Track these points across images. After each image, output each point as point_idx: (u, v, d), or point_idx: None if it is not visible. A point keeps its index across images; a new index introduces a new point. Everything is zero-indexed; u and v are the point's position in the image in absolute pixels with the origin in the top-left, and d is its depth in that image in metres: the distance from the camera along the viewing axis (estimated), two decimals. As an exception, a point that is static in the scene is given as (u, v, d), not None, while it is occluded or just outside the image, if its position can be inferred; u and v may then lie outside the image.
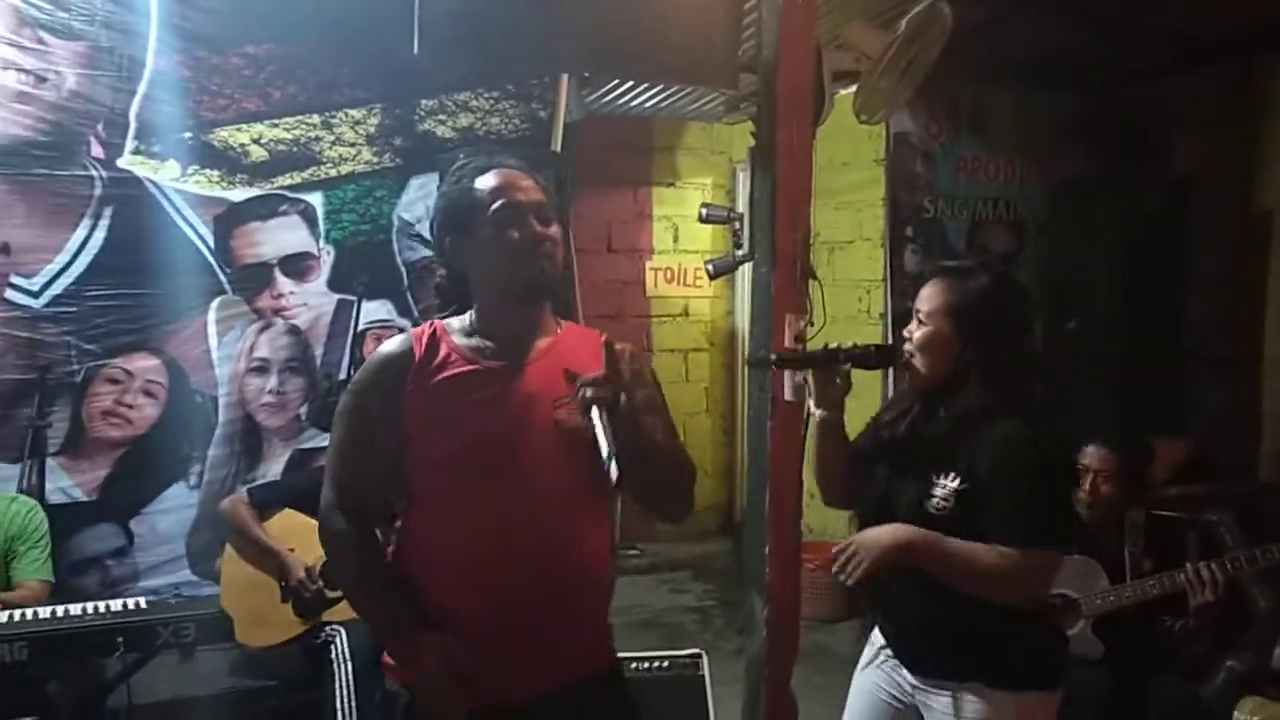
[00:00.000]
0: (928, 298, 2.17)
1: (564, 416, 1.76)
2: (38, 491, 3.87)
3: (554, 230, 1.82)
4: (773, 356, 2.43)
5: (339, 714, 3.18)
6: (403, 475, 1.80)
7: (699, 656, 3.56)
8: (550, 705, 1.75)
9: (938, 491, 2.07)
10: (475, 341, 1.83)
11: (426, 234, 4.71)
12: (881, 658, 2.25)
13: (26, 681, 2.83)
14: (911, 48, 3.50)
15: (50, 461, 4.04)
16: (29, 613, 2.86)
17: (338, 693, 3.21)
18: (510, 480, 1.73)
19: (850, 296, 5.46)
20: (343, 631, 3.32)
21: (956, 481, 2.06)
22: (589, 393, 1.68)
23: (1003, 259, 5.26)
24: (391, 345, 1.85)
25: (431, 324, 1.87)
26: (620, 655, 3.60)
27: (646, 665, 3.53)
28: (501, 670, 1.71)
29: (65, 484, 4.13)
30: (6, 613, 2.82)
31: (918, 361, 2.17)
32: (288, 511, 3.59)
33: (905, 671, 2.19)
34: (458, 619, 1.72)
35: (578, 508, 1.80)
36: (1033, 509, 2.02)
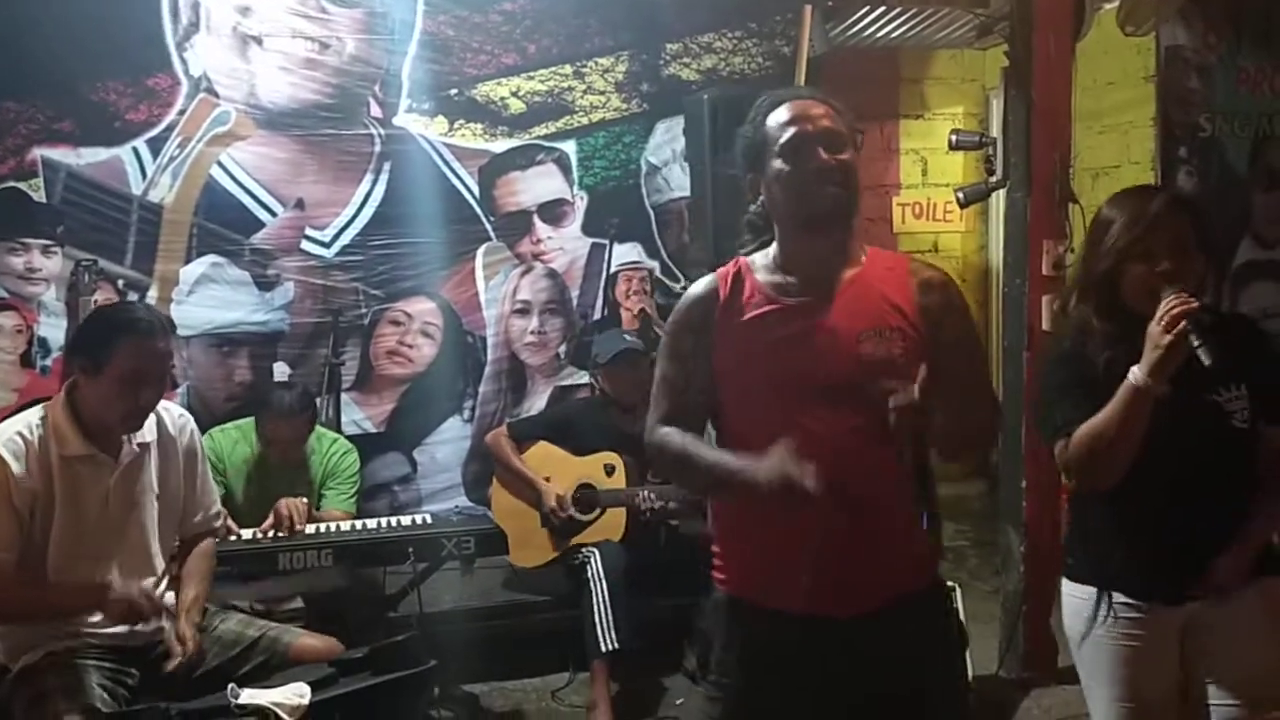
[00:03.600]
0: (1159, 216, 2.01)
1: (868, 350, 1.77)
2: (335, 424, 4.28)
3: (846, 156, 1.80)
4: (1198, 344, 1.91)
5: (597, 628, 3.38)
6: (717, 408, 1.87)
7: (952, 589, 3.52)
8: (872, 621, 1.79)
9: (1234, 406, 1.99)
10: (778, 278, 1.85)
11: (673, 178, 4.86)
12: (1116, 623, 2.13)
13: (324, 586, 3.18)
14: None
15: (344, 396, 4.47)
16: (334, 526, 3.21)
17: (595, 608, 3.41)
18: (814, 413, 1.76)
19: (1116, 225, 5.16)
20: (597, 553, 3.52)
21: (1242, 388, 1.99)
22: (897, 419, 1.67)
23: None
24: (698, 286, 1.90)
25: (736, 262, 1.91)
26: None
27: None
28: (819, 594, 1.77)
29: (358, 416, 4.58)
30: (314, 525, 3.18)
31: (1178, 277, 2.00)
32: (543, 443, 3.81)
33: (1153, 605, 2.07)
34: (771, 541, 1.80)
35: (884, 438, 1.74)
36: None
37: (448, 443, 4.71)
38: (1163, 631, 2.08)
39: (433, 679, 2.36)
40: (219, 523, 2.79)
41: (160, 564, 2.52)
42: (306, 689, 2.08)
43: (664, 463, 1.91)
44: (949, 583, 3.55)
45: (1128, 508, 2.06)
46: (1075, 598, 2.17)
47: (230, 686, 2.05)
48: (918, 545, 1.87)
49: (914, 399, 1.66)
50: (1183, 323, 1.88)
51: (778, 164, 1.80)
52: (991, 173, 3.72)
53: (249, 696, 2.02)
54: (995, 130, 4.08)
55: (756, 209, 1.90)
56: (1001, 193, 3.86)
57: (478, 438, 4.57)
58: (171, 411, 2.58)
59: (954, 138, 3.75)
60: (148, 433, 2.49)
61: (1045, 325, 3.47)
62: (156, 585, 2.50)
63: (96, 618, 2.37)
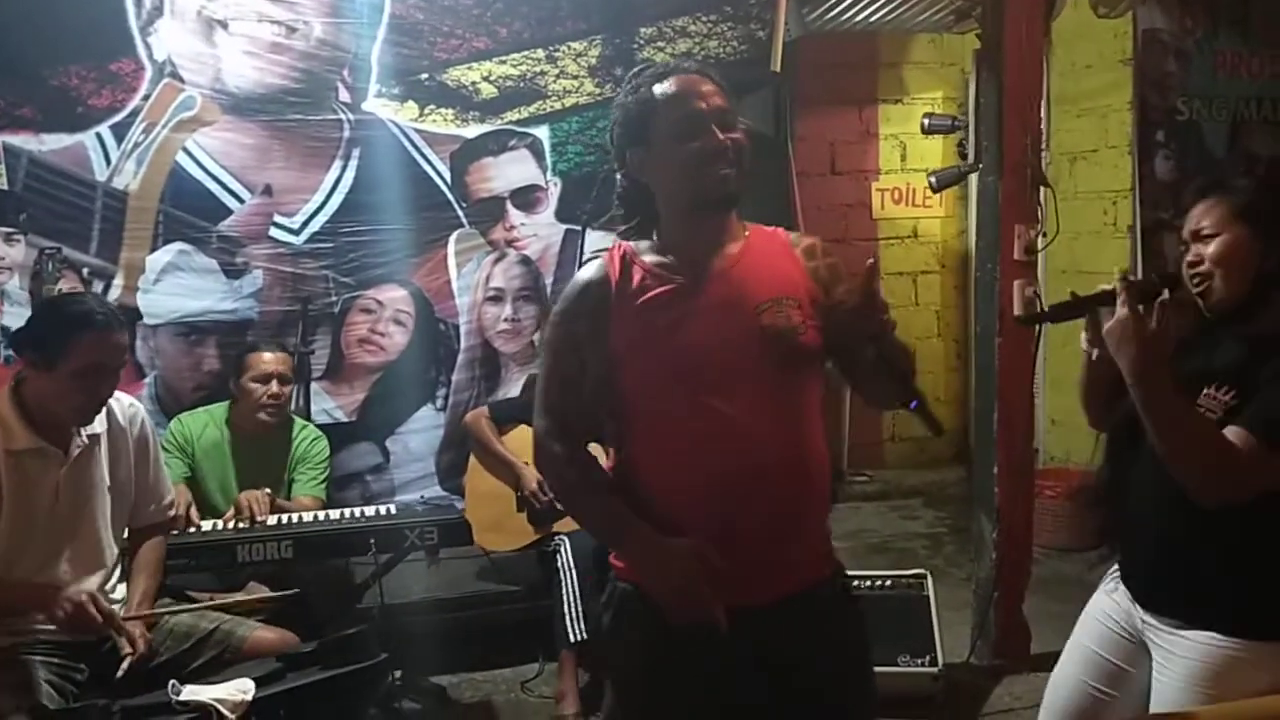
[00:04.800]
0: (1208, 211, 1.96)
1: (770, 321, 1.74)
2: (305, 413, 4.20)
3: (738, 135, 1.77)
4: (1045, 308, 2.13)
5: (566, 618, 3.35)
6: (616, 399, 1.80)
7: (923, 577, 3.51)
8: (777, 612, 1.74)
9: (1207, 404, 1.91)
10: (666, 259, 1.80)
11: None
12: (1112, 585, 2.13)
13: (293, 577, 3.13)
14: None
15: (315, 385, 4.41)
16: (294, 517, 3.17)
17: (564, 598, 3.38)
18: (724, 392, 1.72)
19: (1094, 209, 5.14)
20: (567, 541, 3.49)
21: (1230, 395, 1.90)
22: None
23: (1270, 164, 4.80)
24: (588, 272, 1.83)
25: (620, 247, 1.84)
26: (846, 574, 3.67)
27: (870, 584, 3.51)
28: (727, 582, 1.69)
29: (329, 405, 4.52)
30: (276, 516, 3.13)
31: (1217, 281, 1.94)
32: (523, 427, 3.77)
33: (1138, 607, 2.05)
34: (682, 534, 1.72)
35: (793, 411, 1.77)
36: None
37: (421, 432, 4.65)
38: (1146, 636, 2.03)
39: (385, 672, 2.32)
40: (171, 513, 2.74)
41: (111, 556, 2.47)
42: (250, 685, 2.04)
43: (562, 491, 1.88)
44: (920, 570, 3.59)
45: (1132, 501, 2.03)
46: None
47: (171, 683, 2.00)
48: (824, 527, 1.85)
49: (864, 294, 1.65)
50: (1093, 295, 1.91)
51: (669, 142, 1.74)
52: (964, 156, 3.69)
53: (190, 693, 1.98)
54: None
55: (627, 185, 1.84)
56: (977, 180, 3.83)
57: (451, 426, 4.53)
58: (121, 401, 2.53)
59: (927, 121, 3.72)
60: (97, 424, 2.44)
61: (1016, 310, 3.44)
62: (108, 578, 2.46)
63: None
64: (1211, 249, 1.94)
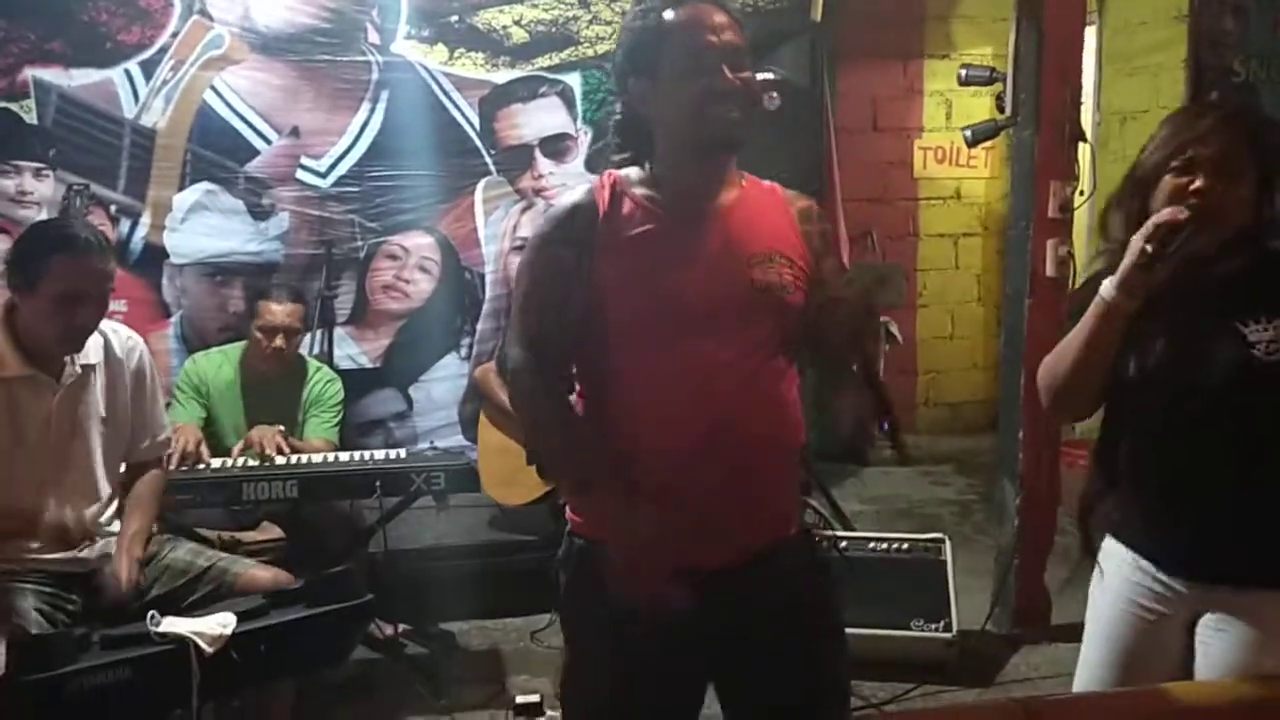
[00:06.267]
0: (1207, 131, 1.81)
1: (759, 276, 1.67)
2: (327, 357, 4.21)
3: (748, 75, 1.66)
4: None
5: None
6: (593, 332, 1.70)
7: (941, 541, 3.43)
8: (741, 569, 1.69)
9: (1259, 337, 1.76)
10: (658, 195, 1.70)
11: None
12: (1116, 567, 1.99)
13: (297, 519, 3.13)
14: None
15: (338, 330, 4.41)
16: (302, 458, 3.15)
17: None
18: (704, 339, 1.65)
19: (1143, 172, 4.95)
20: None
21: (1275, 323, 1.75)
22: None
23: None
24: (574, 196, 1.72)
25: (610, 175, 1.73)
26: (862, 535, 3.60)
27: (886, 546, 3.44)
28: (693, 535, 1.65)
29: (353, 351, 4.51)
30: (283, 455, 3.12)
31: (1214, 198, 1.77)
32: (535, 379, 3.73)
33: (1172, 579, 1.91)
34: (649, 482, 1.66)
35: (771, 369, 1.70)
36: None
37: (444, 380, 4.63)
38: (1176, 608, 1.87)
39: (370, 613, 2.30)
40: (169, 450, 2.73)
41: (106, 490, 2.46)
42: (232, 619, 2.02)
43: (533, 429, 1.81)
44: (938, 535, 3.51)
45: (1142, 456, 1.87)
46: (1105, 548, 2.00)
47: (151, 614, 1.99)
48: (794, 488, 1.78)
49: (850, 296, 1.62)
50: (1163, 233, 1.71)
51: (675, 77, 1.64)
52: (1002, 110, 3.55)
53: (169, 625, 1.96)
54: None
55: (626, 115, 1.74)
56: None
57: (474, 374, 4.51)
58: (120, 333, 2.51)
59: (964, 73, 3.58)
60: (93, 354, 2.42)
61: (1049, 271, 3.33)
62: (102, 511, 2.46)
63: (37, 544, 2.33)
64: (1204, 170, 1.78)
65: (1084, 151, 3.29)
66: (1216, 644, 1.82)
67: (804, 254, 1.73)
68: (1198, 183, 1.78)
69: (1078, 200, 3.33)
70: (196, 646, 1.94)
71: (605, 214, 1.69)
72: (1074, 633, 3.32)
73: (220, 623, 2.00)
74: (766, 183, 1.80)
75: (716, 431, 1.63)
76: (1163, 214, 1.75)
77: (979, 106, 5.97)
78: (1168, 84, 4.75)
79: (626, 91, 1.72)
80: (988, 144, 4.24)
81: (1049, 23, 3.18)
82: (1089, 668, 2.00)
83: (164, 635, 1.95)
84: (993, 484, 5.30)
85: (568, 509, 1.79)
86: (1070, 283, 3.33)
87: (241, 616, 2.05)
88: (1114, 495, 1.97)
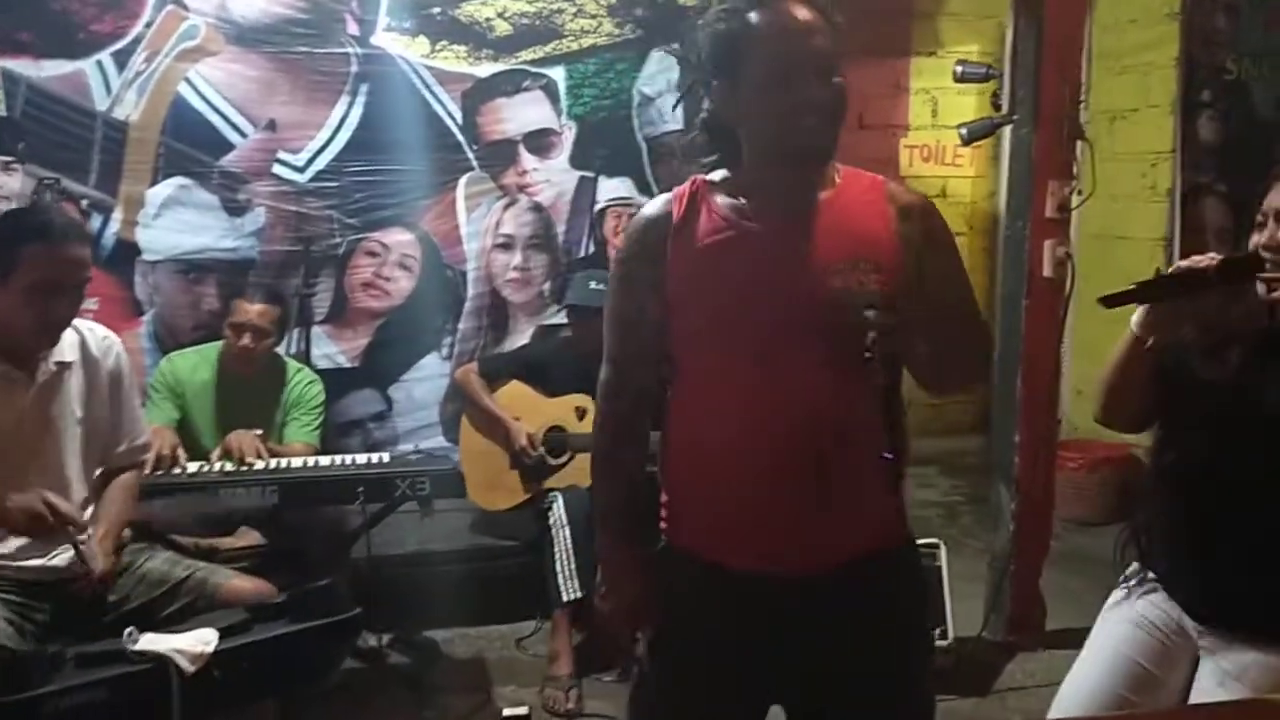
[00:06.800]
0: None
1: (840, 284, 1.56)
2: (304, 357, 4.10)
3: (837, 86, 1.57)
4: (1132, 285, 1.73)
5: (559, 575, 3.24)
6: (668, 345, 1.67)
7: (936, 547, 3.36)
8: (827, 581, 1.61)
9: None
10: (740, 202, 1.62)
11: (667, 110, 4.62)
12: (1145, 589, 1.94)
13: (277, 526, 3.03)
14: None
15: (316, 329, 4.30)
16: (282, 462, 3.05)
17: (558, 556, 3.26)
18: (781, 352, 1.57)
19: (1132, 171, 4.92)
20: (560, 497, 3.37)
21: None
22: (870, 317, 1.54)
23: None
24: (651, 207, 1.69)
25: (694, 181, 1.68)
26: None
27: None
28: (778, 549, 1.60)
29: (330, 350, 4.41)
30: (262, 461, 3.02)
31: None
32: (515, 382, 3.65)
33: (1188, 618, 1.88)
34: (724, 494, 1.62)
35: (851, 377, 1.58)
36: None
37: (425, 380, 4.54)
38: (1190, 645, 1.87)
39: (357, 627, 2.20)
40: (146, 455, 2.62)
41: (80, 493, 2.35)
42: (213, 635, 1.92)
43: (595, 429, 1.79)
44: (933, 540, 3.45)
45: (1182, 498, 1.86)
46: (1128, 573, 1.99)
47: (129, 630, 1.89)
48: (884, 498, 1.66)
49: (891, 321, 1.52)
50: (1183, 272, 1.69)
51: (760, 84, 1.54)
52: (998, 108, 3.49)
53: (148, 642, 1.86)
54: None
55: (711, 116, 1.65)
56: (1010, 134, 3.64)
57: (454, 376, 4.42)
58: (96, 332, 2.41)
59: (960, 69, 3.51)
60: (69, 352, 2.31)
61: (1046, 271, 3.27)
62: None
63: (4, 549, 2.22)
64: None
65: (1083, 151, 3.24)
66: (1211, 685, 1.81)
67: (898, 256, 1.60)
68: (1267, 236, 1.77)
69: (1076, 200, 3.28)
70: (176, 665, 1.84)
71: (679, 222, 1.64)
72: (1069, 639, 3.29)
73: (201, 640, 1.90)
74: (870, 176, 1.70)
75: (788, 441, 1.56)
76: (1183, 261, 1.73)
77: (965, 104, 5.95)
78: (1158, 82, 4.72)
79: (711, 91, 1.63)
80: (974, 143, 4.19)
81: (1049, 19, 3.13)
82: (1082, 668, 1.97)
83: (142, 654, 1.85)
84: (979, 485, 5.27)
85: (660, 519, 1.76)
86: (1068, 284, 3.28)
87: (223, 633, 1.95)
88: (1154, 530, 1.96)
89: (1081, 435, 5.16)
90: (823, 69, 1.55)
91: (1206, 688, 1.82)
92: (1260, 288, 1.74)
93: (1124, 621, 1.95)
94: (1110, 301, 1.71)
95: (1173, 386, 1.86)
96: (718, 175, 1.67)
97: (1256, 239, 1.80)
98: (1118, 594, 1.98)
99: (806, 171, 1.62)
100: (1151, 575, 1.93)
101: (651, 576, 1.71)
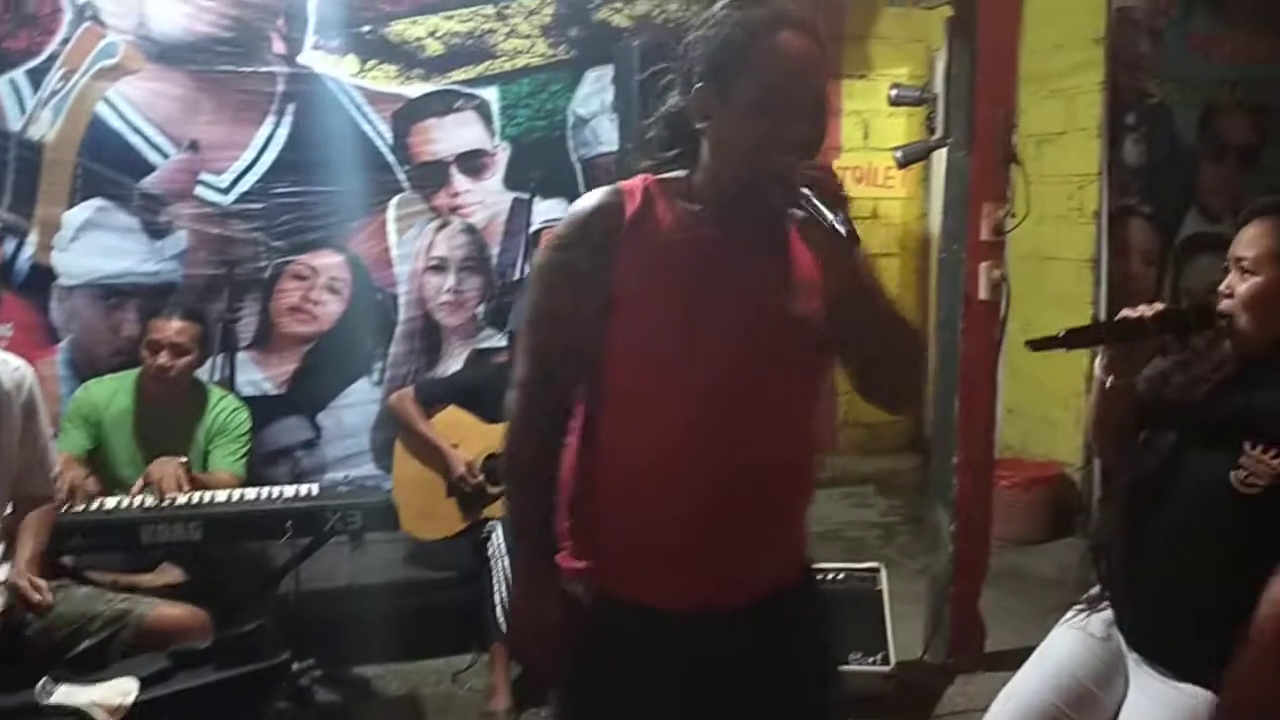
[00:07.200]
0: (1254, 240, 1.79)
1: (789, 303, 1.53)
2: (229, 384, 4.01)
3: (822, 124, 1.52)
4: (1060, 332, 1.78)
5: (497, 608, 3.16)
6: (601, 351, 1.54)
7: (876, 570, 3.35)
8: (745, 617, 1.56)
9: (1248, 464, 1.73)
10: (696, 208, 1.54)
11: (602, 130, 4.59)
12: (1084, 619, 1.96)
13: (201, 562, 2.91)
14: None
15: (241, 355, 4.19)
16: (205, 495, 2.92)
17: (496, 587, 3.19)
18: (725, 365, 1.50)
19: (1059, 193, 4.99)
20: (500, 526, 3.29)
21: (1274, 454, 1.72)
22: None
23: (1241, 152, 4.69)
24: (596, 197, 1.55)
25: (645, 180, 1.56)
26: (797, 565, 3.51)
27: (821, 578, 3.32)
28: (698, 577, 1.53)
29: (256, 377, 4.29)
30: (185, 495, 2.90)
31: (1242, 322, 1.78)
32: (453, 408, 3.56)
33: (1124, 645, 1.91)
34: (649, 522, 1.53)
35: (797, 405, 1.59)
36: None
37: (355, 406, 4.44)
38: (1121, 671, 1.90)
39: (286, 672, 2.11)
40: (58, 487, 2.50)
41: (-10, 528, 2.23)
42: (133, 685, 1.82)
43: (511, 430, 1.62)
44: (873, 564, 3.44)
45: (1131, 549, 1.88)
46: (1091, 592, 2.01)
47: (42, 682, 1.78)
48: (802, 528, 1.66)
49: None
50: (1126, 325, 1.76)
51: (756, 107, 1.47)
52: (933, 131, 3.51)
53: (63, 695, 1.75)
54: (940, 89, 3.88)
55: (677, 113, 1.56)
56: (944, 157, 3.66)
57: (388, 401, 4.32)
58: (8, 363, 2.30)
59: (894, 92, 3.53)
60: (-23, 384, 2.20)
61: (982, 294, 3.29)
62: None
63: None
64: (1244, 287, 1.76)
65: (1017, 174, 3.26)
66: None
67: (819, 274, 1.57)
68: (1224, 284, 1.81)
69: (1010, 223, 3.30)
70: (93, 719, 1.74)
71: (633, 217, 1.52)
72: (1009, 660, 3.27)
73: (120, 690, 1.80)
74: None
75: (729, 474, 1.50)
76: (1127, 310, 1.78)
77: (896, 127, 6.02)
78: (1084, 106, 4.80)
79: (688, 89, 1.53)
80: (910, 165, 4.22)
81: (982, 44, 3.15)
82: (1023, 677, 1.99)
83: (58, 708, 1.75)
84: (915, 505, 5.30)
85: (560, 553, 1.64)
86: (1003, 307, 3.30)
87: (144, 682, 1.85)
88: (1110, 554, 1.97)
89: (1014, 454, 5.21)
90: (818, 107, 1.51)
91: (1130, 710, 1.85)
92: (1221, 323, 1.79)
93: (1072, 638, 1.97)
94: (1036, 346, 1.74)
95: (1144, 409, 1.88)
96: (673, 176, 1.58)
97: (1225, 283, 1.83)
98: (1076, 610, 1.99)
99: (770, 198, 1.54)
100: (1108, 594, 1.94)
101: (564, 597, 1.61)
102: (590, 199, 1.56)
